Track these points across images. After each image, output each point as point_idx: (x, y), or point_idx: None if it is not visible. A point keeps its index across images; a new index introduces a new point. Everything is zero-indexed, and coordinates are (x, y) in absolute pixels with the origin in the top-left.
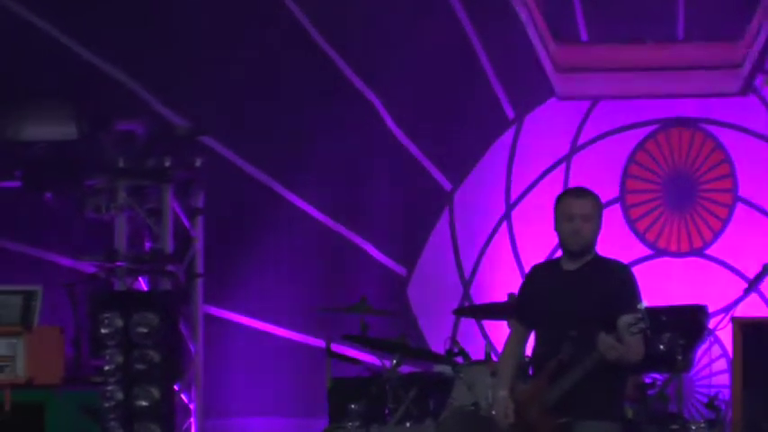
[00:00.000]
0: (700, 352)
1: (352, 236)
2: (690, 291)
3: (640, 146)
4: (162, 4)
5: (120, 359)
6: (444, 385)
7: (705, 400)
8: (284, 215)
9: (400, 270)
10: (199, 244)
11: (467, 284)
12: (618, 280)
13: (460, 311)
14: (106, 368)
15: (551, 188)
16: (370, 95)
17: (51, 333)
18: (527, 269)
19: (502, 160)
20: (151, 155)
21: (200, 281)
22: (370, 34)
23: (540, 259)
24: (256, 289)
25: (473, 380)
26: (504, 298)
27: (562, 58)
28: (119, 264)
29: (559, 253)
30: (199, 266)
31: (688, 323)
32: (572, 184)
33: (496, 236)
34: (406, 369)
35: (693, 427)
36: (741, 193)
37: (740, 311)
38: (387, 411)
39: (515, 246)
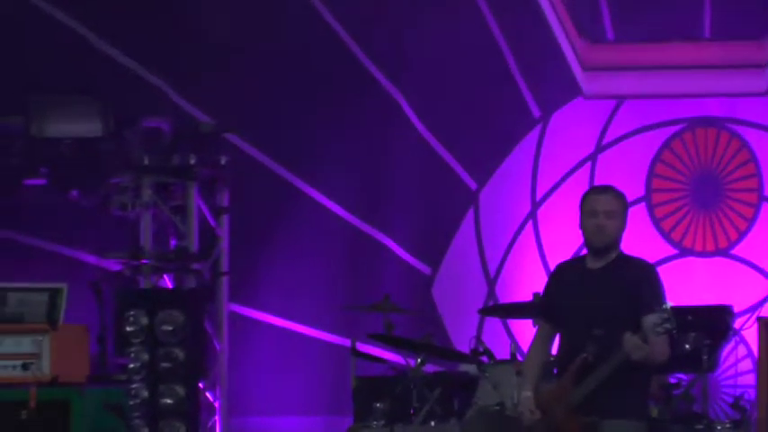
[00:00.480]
0: (725, 352)
1: (377, 234)
2: (715, 290)
3: (666, 145)
4: (188, 2)
5: (145, 357)
6: (469, 385)
7: (730, 400)
8: (310, 213)
9: (425, 269)
10: (224, 242)
11: (492, 283)
12: (643, 279)
13: (485, 311)
14: (131, 366)
15: (577, 187)
16: (396, 93)
17: (77, 331)
18: (552, 268)
19: (527, 159)
20: (176, 152)
21: (225, 279)
22: (396, 32)
23: (566, 258)
24: (281, 287)
25: (498, 379)
26: (529, 297)
27: (588, 57)
28: (144, 261)
29: (585, 251)
30: (224, 264)
31: (713, 323)
32: (597, 182)
33: (522, 235)
34: (430, 368)
35: (719, 428)
36: (767, 192)
37: (766, 311)
38: (411, 411)
39: (541, 245)
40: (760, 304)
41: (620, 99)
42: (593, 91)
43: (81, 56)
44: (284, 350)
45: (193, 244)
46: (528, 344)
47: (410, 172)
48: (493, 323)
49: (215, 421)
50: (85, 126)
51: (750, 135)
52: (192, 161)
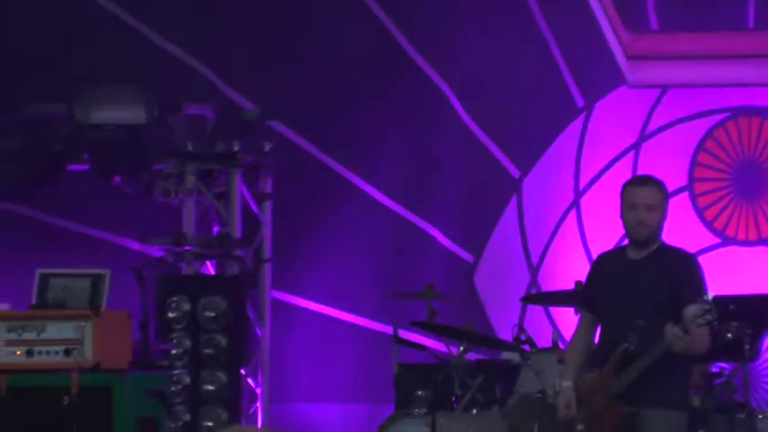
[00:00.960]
0: (767, 341)
1: (419, 222)
2: (758, 280)
3: (709, 134)
4: None
5: (187, 343)
6: (511, 373)
7: None
8: (352, 200)
9: (468, 257)
10: (267, 229)
11: (534, 271)
12: (684, 269)
13: (528, 299)
14: (173, 352)
15: (620, 176)
16: (440, 82)
17: (119, 317)
18: (595, 257)
19: (571, 148)
20: (220, 139)
21: (267, 265)
22: (440, 21)
23: (609, 247)
24: (324, 274)
25: (540, 367)
26: (571, 285)
27: (632, 46)
28: (187, 248)
29: (627, 241)
30: (267, 251)
31: (756, 312)
32: (640, 171)
33: (565, 223)
34: (472, 356)
35: (760, 417)
36: None
37: None
38: (453, 398)
39: (584, 233)
40: None
41: (664, 88)
42: (637, 80)
43: (125, 43)
44: (326, 337)
45: (236, 230)
46: (570, 332)
47: (454, 160)
48: (535, 311)
49: (257, 407)
50: (130, 113)
51: None
52: (236, 148)
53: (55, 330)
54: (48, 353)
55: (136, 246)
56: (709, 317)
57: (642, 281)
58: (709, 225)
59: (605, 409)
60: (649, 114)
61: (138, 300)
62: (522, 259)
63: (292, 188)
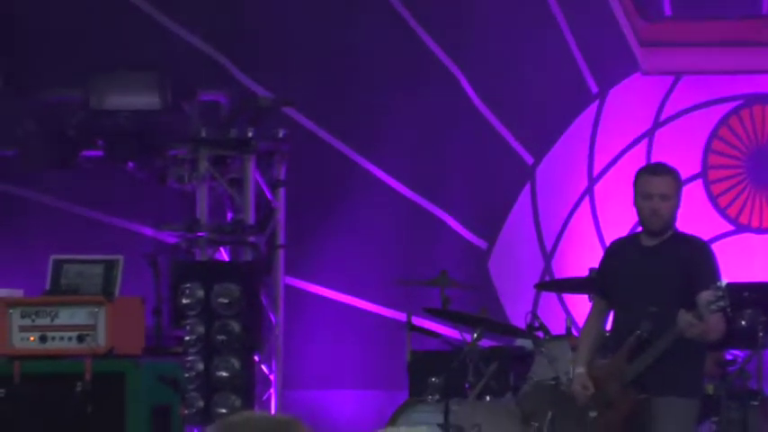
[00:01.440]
0: None
1: (433, 208)
2: None
3: (723, 121)
4: None
5: (200, 330)
6: (525, 360)
7: None
8: (366, 187)
9: (481, 243)
10: (280, 215)
11: (548, 258)
12: (697, 256)
13: (541, 286)
14: (187, 338)
15: (634, 163)
16: (453, 68)
17: (132, 303)
18: (608, 244)
19: (585, 135)
20: (234, 125)
21: (281, 252)
22: (453, 6)
23: (623, 234)
24: (337, 261)
25: (554, 354)
26: (585, 272)
27: (646, 33)
28: (200, 234)
29: (641, 228)
30: (280, 238)
31: None
32: (654, 159)
33: (578, 210)
34: (486, 343)
35: None
36: None
37: None
38: (467, 385)
39: (597, 220)
40: None
41: (678, 75)
42: (651, 67)
43: (140, 29)
44: (340, 323)
45: (250, 217)
46: (584, 319)
47: (467, 147)
48: (549, 298)
49: (270, 394)
50: (143, 99)
51: None
52: (250, 134)
53: (68, 316)
54: (61, 339)
55: (149, 232)
56: (722, 303)
57: (655, 268)
58: (722, 212)
59: (618, 395)
60: (663, 101)
61: (152, 286)
62: (536, 246)
63: (306, 174)
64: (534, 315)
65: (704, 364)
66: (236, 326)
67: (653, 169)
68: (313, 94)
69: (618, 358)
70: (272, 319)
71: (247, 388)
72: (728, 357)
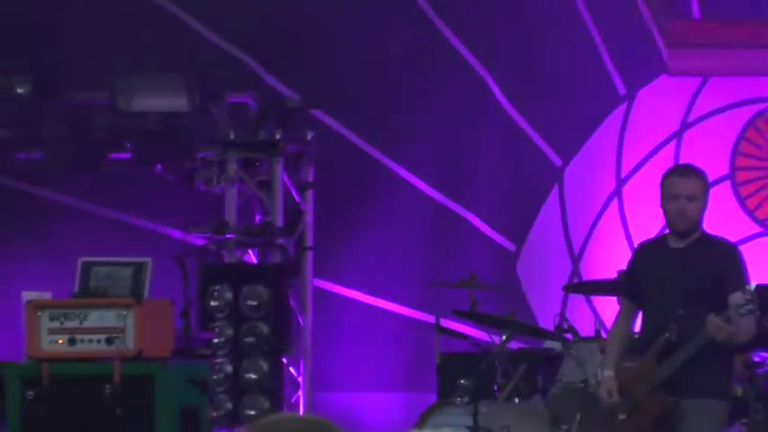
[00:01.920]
0: None
1: (461, 210)
2: None
3: (751, 123)
4: None
5: (229, 332)
6: (553, 362)
7: None
8: (395, 189)
9: (509, 245)
10: (309, 217)
11: (576, 260)
12: (725, 259)
13: (570, 288)
14: (215, 341)
15: (662, 165)
16: (481, 69)
17: (161, 305)
18: (636, 245)
19: (613, 136)
20: (262, 128)
21: (309, 254)
22: (481, 7)
23: (651, 235)
24: (365, 263)
25: (583, 357)
26: (613, 274)
27: (674, 35)
28: (228, 236)
29: (669, 230)
30: (309, 240)
31: None
32: (682, 160)
33: (606, 212)
34: (515, 345)
35: None
36: None
37: None
38: (495, 387)
39: (625, 222)
40: None
41: (706, 77)
42: (679, 68)
43: (168, 31)
44: (368, 326)
45: (278, 219)
46: (612, 321)
47: (495, 148)
48: (577, 300)
49: (299, 396)
50: (172, 101)
51: None
52: (278, 136)
53: (97, 319)
54: (90, 341)
55: (178, 234)
56: (751, 306)
57: (683, 270)
58: (751, 214)
59: (647, 398)
60: (691, 103)
61: (180, 288)
62: (564, 248)
63: (334, 177)
64: (563, 317)
65: (733, 366)
66: (264, 328)
67: (679, 171)
68: (341, 96)
69: (647, 361)
70: (301, 321)
71: (276, 390)
72: (756, 359)
